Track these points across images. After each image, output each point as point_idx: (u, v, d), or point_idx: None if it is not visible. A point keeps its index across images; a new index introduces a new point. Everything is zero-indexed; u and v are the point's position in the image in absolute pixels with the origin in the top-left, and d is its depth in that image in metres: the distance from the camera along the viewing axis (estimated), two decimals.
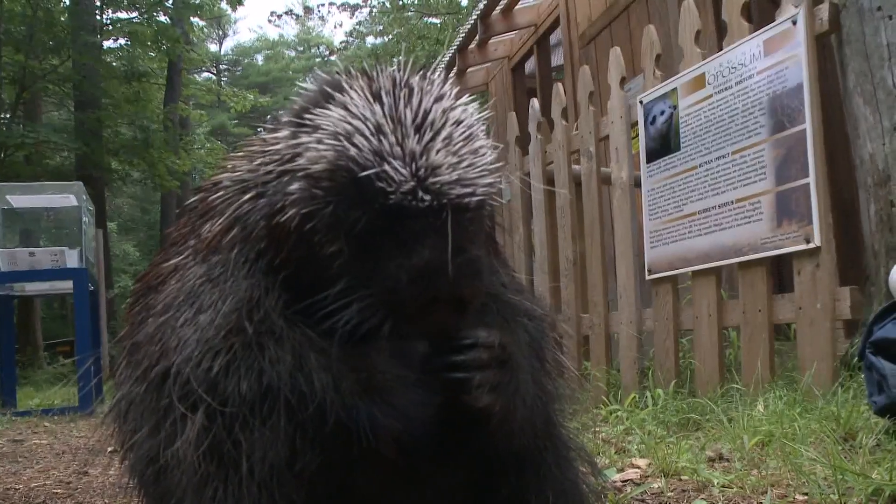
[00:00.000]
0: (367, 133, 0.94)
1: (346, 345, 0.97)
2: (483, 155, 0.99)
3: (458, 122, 0.98)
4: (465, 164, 0.96)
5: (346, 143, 0.95)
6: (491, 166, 1.00)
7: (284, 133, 1.04)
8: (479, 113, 1.04)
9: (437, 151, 0.94)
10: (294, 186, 0.98)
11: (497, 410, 0.99)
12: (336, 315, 0.96)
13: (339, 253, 0.96)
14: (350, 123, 0.96)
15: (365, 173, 0.93)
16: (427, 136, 0.95)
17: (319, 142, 0.97)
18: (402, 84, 0.99)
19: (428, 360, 0.99)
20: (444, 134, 0.96)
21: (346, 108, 0.98)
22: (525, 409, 1.04)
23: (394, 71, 1.02)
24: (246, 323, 0.97)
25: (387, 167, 0.92)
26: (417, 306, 0.93)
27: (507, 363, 1.02)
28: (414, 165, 0.93)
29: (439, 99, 0.99)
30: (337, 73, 1.04)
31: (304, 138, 0.99)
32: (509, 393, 1.01)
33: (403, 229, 0.93)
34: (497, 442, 1.05)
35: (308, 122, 1.00)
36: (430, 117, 0.96)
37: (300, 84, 1.06)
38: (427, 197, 0.93)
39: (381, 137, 0.94)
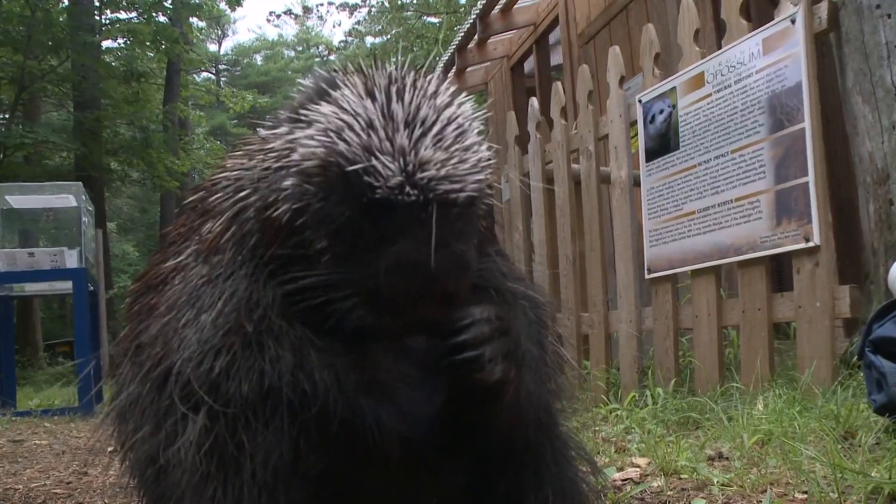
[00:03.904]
0: (358, 129, 0.95)
1: (347, 342, 0.97)
2: (474, 152, 0.99)
3: (451, 120, 0.98)
4: (454, 160, 0.95)
5: (336, 138, 0.95)
6: (482, 164, 0.99)
7: (281, 129, 1.05)
8: (475, 111, 1.04)
9: (427, 147, 0.94)
10: (287, 182, 0.98)
11: (511, 378, 0.99)
12: (327, 310, 0.96)
13: (327, 248, 0.96)
14: (342, 119, 0.96)
15: (352, 168, 0.93)
16: (417, 133, 0.95)
17: (311, 138, 0.98)
18: (396, 81, 0.99)
19: (432, 352, 0.98)
20: (434, 130, 0.96)
21: (338, 105, 0.98)
22: (533, 376, 1.04)
23: (389, 69, 1.02)
24: (245, 322, 0.97)
25: (375, 162, 0.93)
26: (400, 301, 0.93)
27: (510, 331, 1.02)
28: (402, 161, 0.93)
29: (432, 96, 0.99)
30: (334, 70, 1.05)
31: (298, 134, 1.00)
32: (519, 360, 1.01)
33: (389, 224, 0.93)
34: (508, 420, 1.04)
35: (303, 119, 1.01)
36: (422, 114, 0.96)
37: (299, 81, 1.07)
38: (414, 192, 0.92)
39: (371, 133, 0.94)
